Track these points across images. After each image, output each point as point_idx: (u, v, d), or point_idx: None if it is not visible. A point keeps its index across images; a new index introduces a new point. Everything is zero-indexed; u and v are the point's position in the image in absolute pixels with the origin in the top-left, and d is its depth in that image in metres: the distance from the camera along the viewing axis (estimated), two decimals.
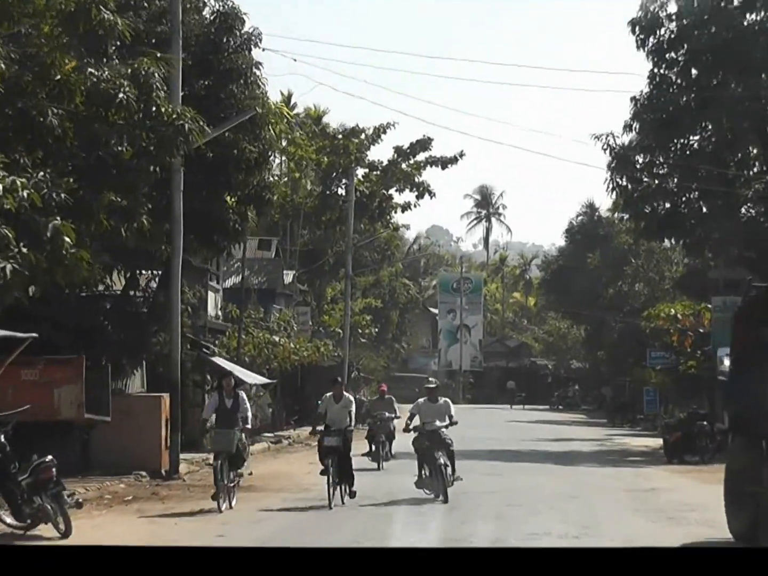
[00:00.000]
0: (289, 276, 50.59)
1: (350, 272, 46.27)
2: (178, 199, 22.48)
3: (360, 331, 50.38)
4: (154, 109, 17.49)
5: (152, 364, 26.45)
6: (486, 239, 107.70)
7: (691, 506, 16.90)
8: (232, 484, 16.97)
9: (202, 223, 24.39)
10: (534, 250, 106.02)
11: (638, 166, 35.69)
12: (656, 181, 35.66)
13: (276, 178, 52.79)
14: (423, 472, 17.82)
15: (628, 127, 35.69)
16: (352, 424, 18.03)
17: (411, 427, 18.30)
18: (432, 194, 48.96)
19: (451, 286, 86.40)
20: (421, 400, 18.67)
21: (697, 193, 35.18)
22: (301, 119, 53.78)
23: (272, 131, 25.07)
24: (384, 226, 51.99)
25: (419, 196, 49.00)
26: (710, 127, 34.83)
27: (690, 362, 37.17)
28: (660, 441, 34.47)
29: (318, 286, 51.43)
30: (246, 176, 24.74)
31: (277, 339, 37.38)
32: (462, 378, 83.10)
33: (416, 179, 48.84)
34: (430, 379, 21.69)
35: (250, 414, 17.58)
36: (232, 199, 24.96)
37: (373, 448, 25.09)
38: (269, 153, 25.19)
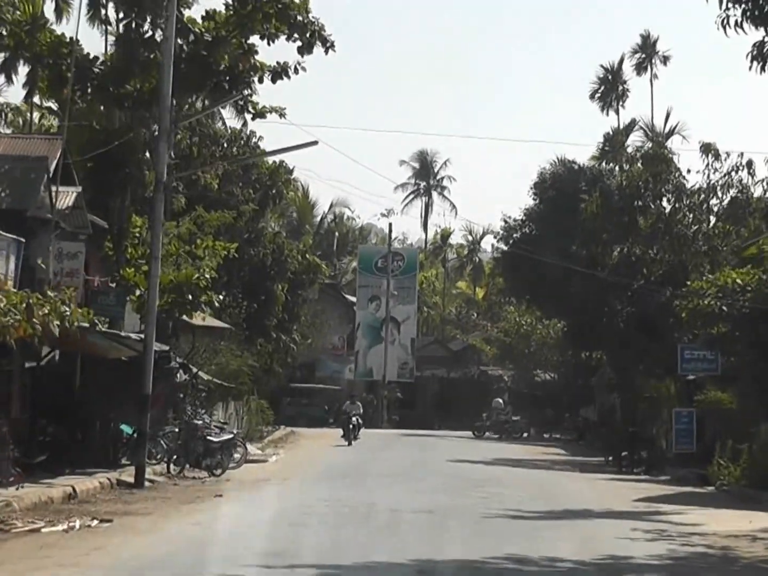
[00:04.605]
0: (70, 195, 28.47)
1: (164, 176, 24.03)
2: None
3: (192, 298, 27.52)
4: None
5: None
6: (425, 217, 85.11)
7: None
8: None
9: None
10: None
11: None
12: None
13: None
14: None
15: None
16: None
17: None
18: (328, 45, 26.90)
19: (375, 263, 64.15)
20: None
21: None
22: None
23: None
24: (241, 107, 29.74)
25: (304, 50, 26.87)
26: None
27: None
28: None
29: (118, 210, 28.83)
30: None
31: None
32: (387, 392, 61.07)
33: (300, 17, 26.71)
34: None
35: None
36: None
37: None
38: None
